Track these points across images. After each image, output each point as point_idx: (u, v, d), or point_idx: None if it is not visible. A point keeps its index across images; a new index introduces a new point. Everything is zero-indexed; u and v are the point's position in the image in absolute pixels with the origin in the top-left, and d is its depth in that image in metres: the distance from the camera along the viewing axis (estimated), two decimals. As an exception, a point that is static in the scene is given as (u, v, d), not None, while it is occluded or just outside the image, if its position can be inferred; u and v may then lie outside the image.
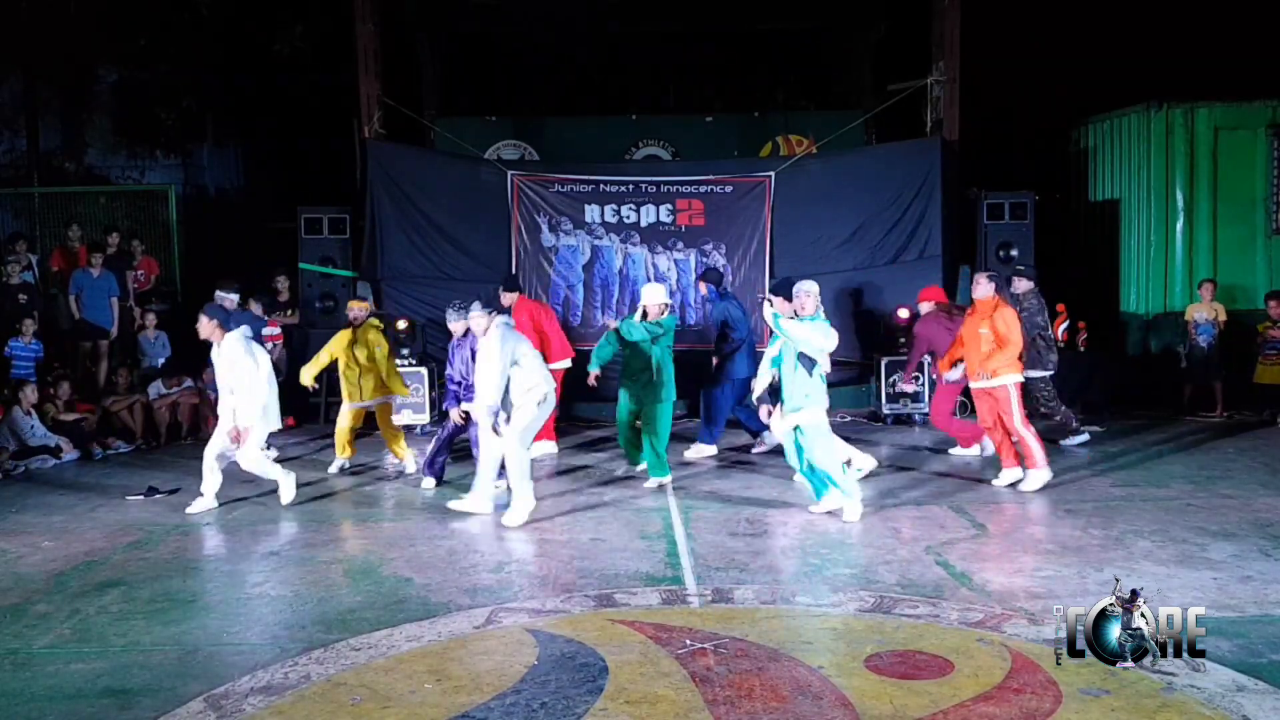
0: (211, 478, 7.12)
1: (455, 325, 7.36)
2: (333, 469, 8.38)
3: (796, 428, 6.70)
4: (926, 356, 9.24)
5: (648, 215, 11.52)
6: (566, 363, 8.92)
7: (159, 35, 14.28)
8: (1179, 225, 11.63)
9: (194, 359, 10.60)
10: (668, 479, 7.63)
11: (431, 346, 10.78)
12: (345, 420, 8.39)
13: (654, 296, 7.80)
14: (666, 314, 7.78)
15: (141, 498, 7.54)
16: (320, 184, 13.42)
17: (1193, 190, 11.57)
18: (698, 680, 3.96)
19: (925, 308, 8.92)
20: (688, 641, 4.37)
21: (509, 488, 6.68)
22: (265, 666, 4.21)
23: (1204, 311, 10.71)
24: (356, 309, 8.51)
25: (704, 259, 11.43)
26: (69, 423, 9.31)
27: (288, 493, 7.18)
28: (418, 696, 3.88)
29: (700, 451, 8.77)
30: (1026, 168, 13.25)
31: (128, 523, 6.83)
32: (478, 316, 6.80)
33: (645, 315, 7.67)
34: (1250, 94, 11.63)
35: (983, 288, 7.67)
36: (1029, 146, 13.75)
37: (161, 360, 10.65)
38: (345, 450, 8.42)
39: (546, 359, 7.67)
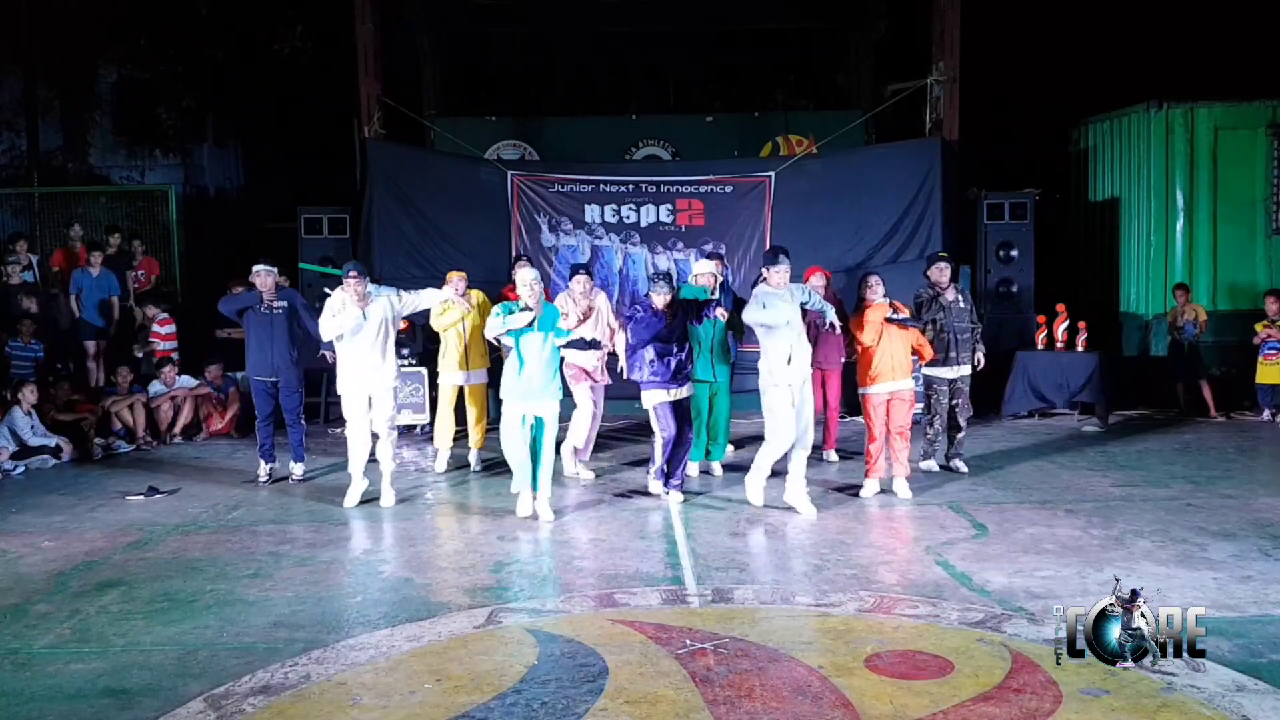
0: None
1: (664, 299, 7.10)
2: (474, 464, 8.27)
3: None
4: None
5: (648, 215, 11.52)
6: None
7: (159, 35, 14.30)
8: (1179, 225, 11.63)
9: (194, 359, 10.64)
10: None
11: (432, 345, 10.77)
12: (446, 403, 8.25)
13: (703, 267, 7.80)
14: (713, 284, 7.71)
15: (141, 498, 7.53)
16: (320, 184, 13.43)
17: (1193, 190, 11.57)
18: (698, 680, 3.96)
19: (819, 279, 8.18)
20: (688, 641, 4.37)
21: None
22: (265, 666, 4.21)
23: (1186, 314, 10.76)
24: (457, 279, 8.23)
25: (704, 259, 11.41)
26: (69, 423, 9.31)
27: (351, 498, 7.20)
28: (418, 696, 3.88)
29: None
30: (1026, 168, 13.26)
31: (128, 523, 6.83)
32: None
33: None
34: (1250, 94, 11.64)
35: (880, 289, 7.27)
36: (1029, 146, 13.76)
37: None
38: (449, 441, 8.31)
39: None
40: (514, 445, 6.73)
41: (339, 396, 11.21)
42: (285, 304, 7.96)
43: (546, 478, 6.75)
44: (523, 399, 6.70)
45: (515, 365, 6.73)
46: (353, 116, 11.90)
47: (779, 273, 6.69)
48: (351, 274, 7.01)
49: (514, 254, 11.02)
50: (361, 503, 7.21)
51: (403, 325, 10.07)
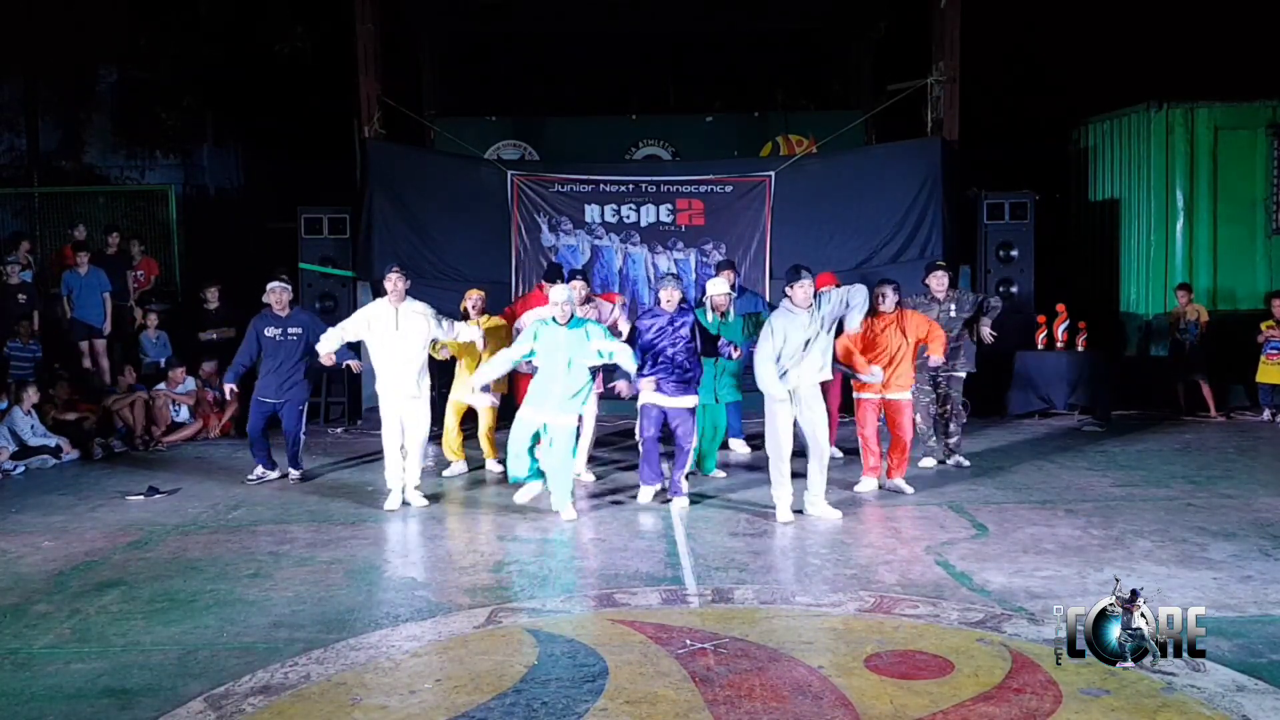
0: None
1: (674, 294, 7.01)
2: (451, 471, 8.20)
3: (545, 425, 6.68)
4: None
5: (648, 215, 11.54)
6: None
7: (159, 35, 14.30)
8: (1179, 225, 11.64)
9: (193, 359, 10.63)
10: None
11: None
12: (452, 417, 8.17)
13: (716, 288, 7.60)
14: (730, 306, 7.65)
15: (141, 498, 7.54)
16: (320, 184, 13.42)
17: (1193, 190, 11.58)
18: (698, 680, 3.96)
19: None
20: (688, 641, 4.36)
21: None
22: (265, 666, 4.21)
23: (1189, 314, 10.78)
24: (476, 298, 8.21)
25: (704, 259, 11.42)
26: (69, 423, 9.31)
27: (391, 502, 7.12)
28: (418, 696, 3.88)
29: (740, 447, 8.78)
30: (1026, 168, 13.26)
31: (128, 523, 6.82)
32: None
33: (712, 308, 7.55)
34: (1250, 94, 11.65)
35: (892, 299, 7.34)
36: (1029, 146, 13.76)
37: (163, 360, 10.65)
38: (460, 453, 8.23)
39: None
40: (516, 438, 6.70)
41: (340, 397, 11.25)
42: (299, 330, 7.95)
43: (556, 486, 6.68)
44: (537, 407, 6.68)
45: (540, 374, 6.75)
46: (353, 116, 11.90)
47: (801, 288, 6.45)
48: (394, 270, 7.22)
49: (517, 260, 10.99)
50: (358, 503, 7.22)
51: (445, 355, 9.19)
